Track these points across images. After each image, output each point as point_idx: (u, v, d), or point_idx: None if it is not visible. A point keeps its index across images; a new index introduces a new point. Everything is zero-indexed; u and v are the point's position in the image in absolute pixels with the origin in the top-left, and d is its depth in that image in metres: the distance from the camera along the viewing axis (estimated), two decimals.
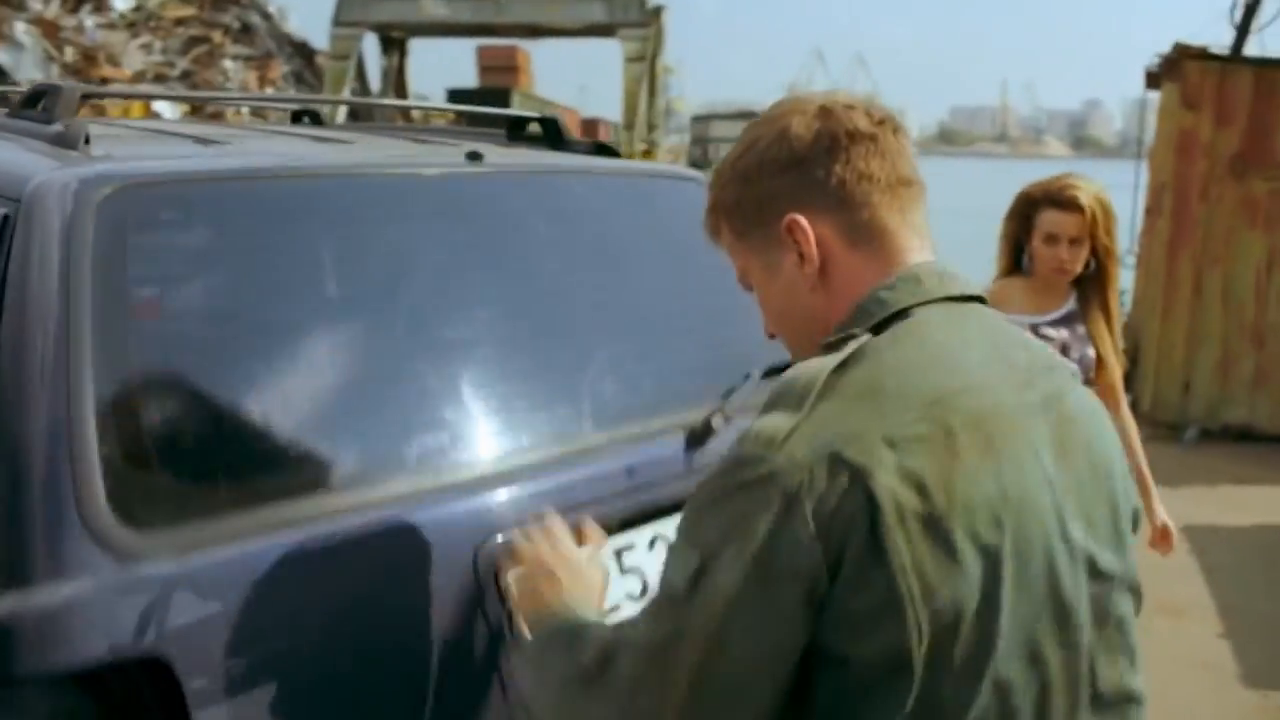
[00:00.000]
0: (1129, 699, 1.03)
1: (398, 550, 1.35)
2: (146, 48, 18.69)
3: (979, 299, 1.04)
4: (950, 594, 0.85)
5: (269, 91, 19.10)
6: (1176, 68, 6.36)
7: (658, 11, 32.52)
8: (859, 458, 0.85)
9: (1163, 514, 2.61)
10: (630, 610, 1.56)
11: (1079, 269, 2.59)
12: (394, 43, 26.19)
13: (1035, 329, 2.56)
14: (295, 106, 2.60)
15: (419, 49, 28.63)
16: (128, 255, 1.29)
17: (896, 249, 1.01)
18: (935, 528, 0.85)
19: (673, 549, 0.94)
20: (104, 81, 16.99)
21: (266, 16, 22.49)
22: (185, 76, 18.47)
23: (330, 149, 1.88)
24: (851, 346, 0.93)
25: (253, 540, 1.25)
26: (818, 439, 0.86)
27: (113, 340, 1.21)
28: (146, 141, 1.87)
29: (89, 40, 18.11)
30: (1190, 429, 6.46)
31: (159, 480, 1.24)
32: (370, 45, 24.57)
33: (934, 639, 0.85)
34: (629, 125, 25.79)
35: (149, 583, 1.15)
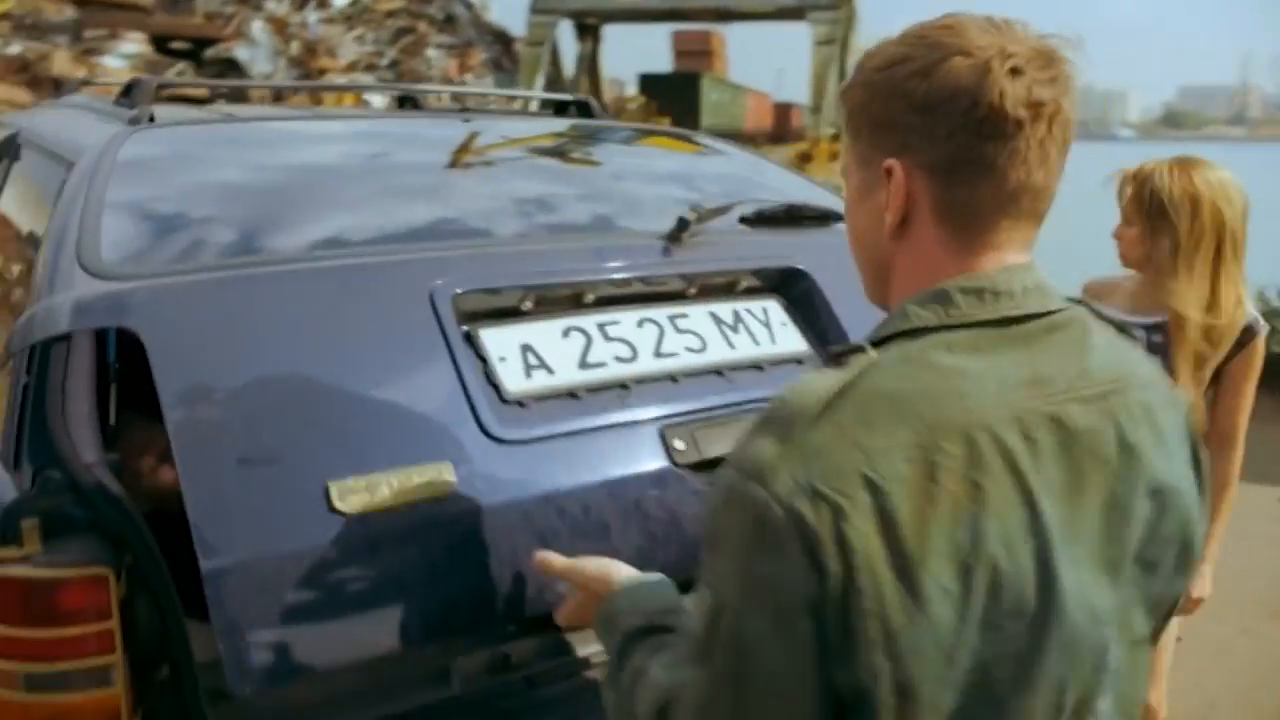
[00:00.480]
0: None
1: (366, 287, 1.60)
2: (360, 39, 20.23)
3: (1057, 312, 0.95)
4: (913, 641, 0.83)
5: (467, 79, 20.26)
6: None
7: None
8: (837, 497, 0.82)
9: (1201, 587, 2.25)
10: (614, 366, 1.68)
11: (1131, 257, 2.23)
12: (588, 29, 26.97)
13: (1125, 329, 2.23)
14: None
15: (613, 35, 29.44)
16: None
17: (979, 246, 0.94)
18: (903, 574, 0.82)
19: (698, 587, 0.93)
20: (321, 73, 18.57)
21: (469, 6, 23.74)
22: (393, 65, 19.89)
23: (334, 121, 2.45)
24: (855, 370, 0.89)
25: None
26: (802, 473, 0.83)
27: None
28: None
29: (311, 34, 19.79)
30: None
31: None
32: (566, 32, 25.52)
33: (894, 681, 0.83)
34: (816, 109, 25.58)
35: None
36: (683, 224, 1.89)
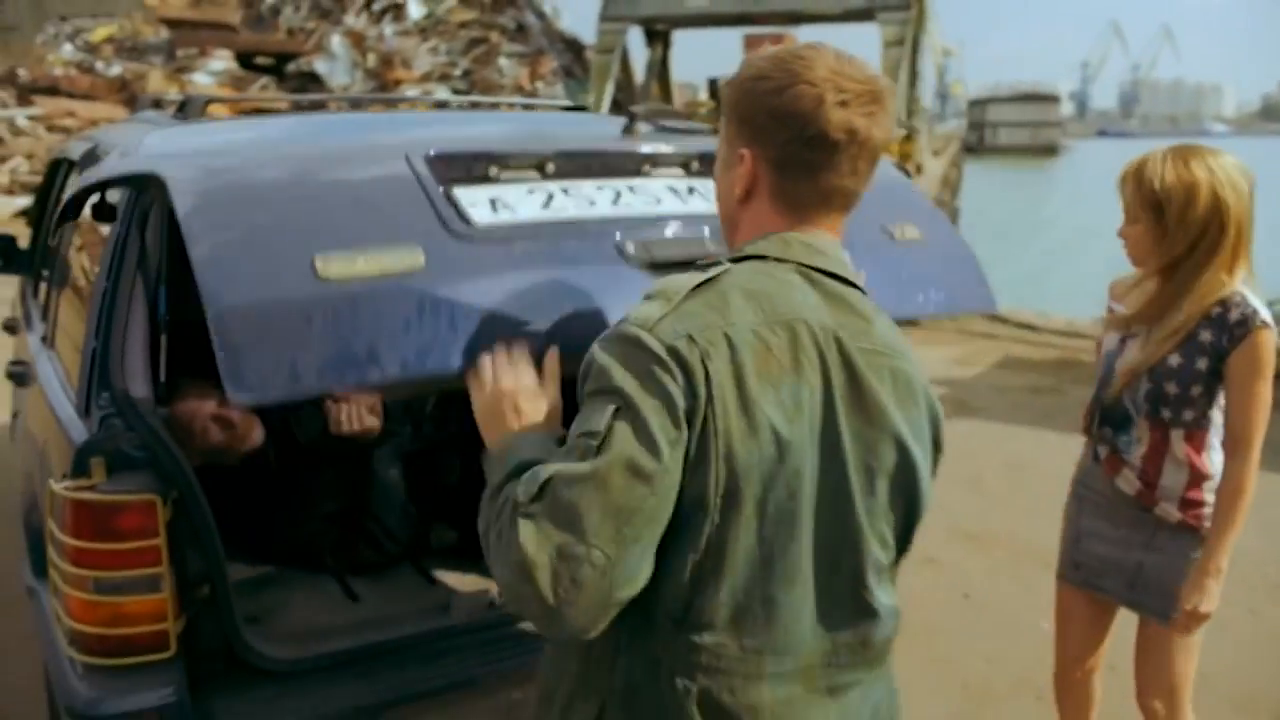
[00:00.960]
0: (873, 606, 1.23)
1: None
2: (434, 50, 20.89)
3: (843, 279, 1.22)
4: (745, 460, 1.11)
5: (538, 87, 20.72)
6: None
7: None
8: (704, 343, 1.10)
9: (1202, 601, 2.07)
10: (574, 211, 1.80)
11: (1139, 256, 2.14)
12: (657, 35, 27.23)
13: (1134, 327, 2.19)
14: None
15: (683, 39, 29.66)
16: None
17: (800, 220, 1.23)
18: (744, 408, 1.11)
19: (588, 401, 1.13)
20: (397, 84, 19.22)
21: (541, 15, 24.26)
22: (466, 75, 20.48)
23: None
24: (715, 271, 1.18)
25: None
26: (679, 325, 1.11)
27: None
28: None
29: (388, 47, 20.50)
30: None
31: None
32: (636, 38, 25.84)
33: (725, 488, 1.10)
34: None
35: None
36: (631, 117, 2.17)
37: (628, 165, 1.96)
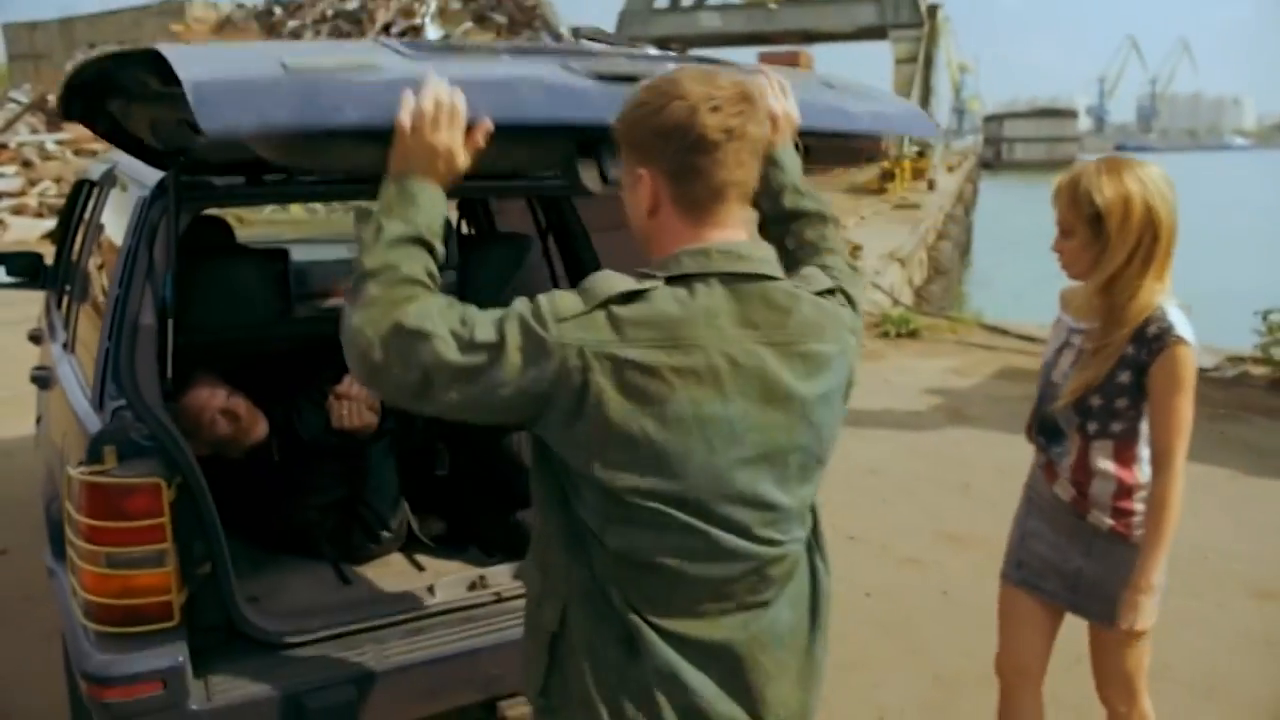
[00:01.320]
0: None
1: None
2: None
3: (764, 276, 1.37)
4: (619, 460, 1.30)
5: None
6: None
7: (932, 11, 31.89)
8: (593, 359, 1.28)
9: (1135, 619, 2.08)
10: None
11: (1076, 269, 2.15)
12: None
13: (1069, 338, 2.23)
14: None
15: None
16: None
17: (707, 225, 1.37)
18: (620, 419, 1.29)
19: (493, 315, 1.32)
20: None
21: (557, 37, 24.58)
22: None
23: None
24: (646, 285, 1.32)
25: None
26: (580, 331, 1.28)
27: None
28: None
29: None
30: None
31: None
32: None
33: (603, 472, 1.31)
34: None
35: None
36: (576, 32, 2.31)
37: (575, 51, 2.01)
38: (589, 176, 1.74)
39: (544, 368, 1.28)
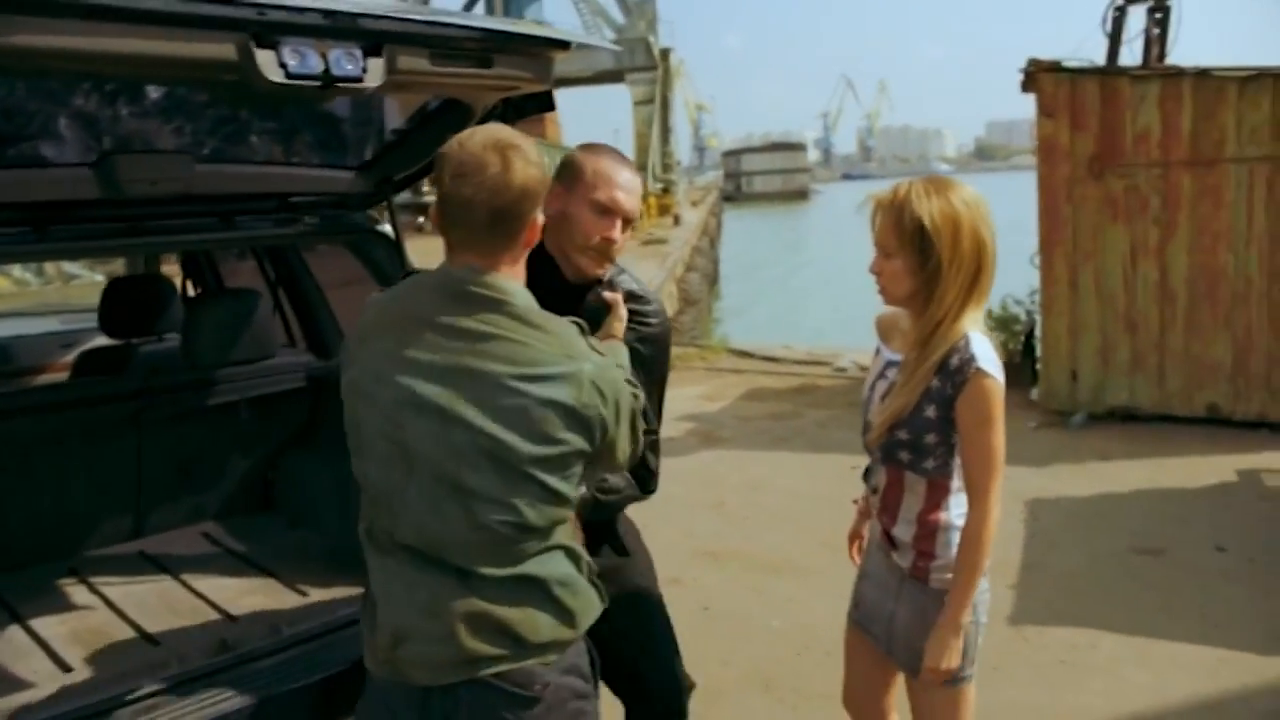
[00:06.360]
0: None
1: None
2: None
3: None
4: (350, 408, 1.70)
5: None
6: (1034, 81, 6.86)
7: (664, 54, 33.44)
8: (352, 344, 1.74)
9: (939, 658, 1.95)
10: None
11: (895, 292, 1.98)
12: None
13: (885, 370, 2.11)
14: None
15: None
16: None
17: (453, 253, 1.69)
18: (360, 384, 1.67)
19: None
20: None
21: None
22: None
23: None
24: (399, 284, 1.77)
25: None
26: (360, 328, 1.73)
27: None
28: None
29: None
30: (1078, 414, 6.89)
31: None
32: None
33: (348, 420, 1.71)
34: (641, 166, 26.61)
35: None
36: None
37: None
38: (269, 68, 1.80)
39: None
